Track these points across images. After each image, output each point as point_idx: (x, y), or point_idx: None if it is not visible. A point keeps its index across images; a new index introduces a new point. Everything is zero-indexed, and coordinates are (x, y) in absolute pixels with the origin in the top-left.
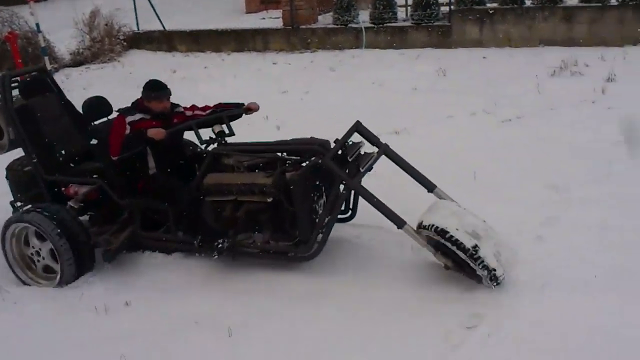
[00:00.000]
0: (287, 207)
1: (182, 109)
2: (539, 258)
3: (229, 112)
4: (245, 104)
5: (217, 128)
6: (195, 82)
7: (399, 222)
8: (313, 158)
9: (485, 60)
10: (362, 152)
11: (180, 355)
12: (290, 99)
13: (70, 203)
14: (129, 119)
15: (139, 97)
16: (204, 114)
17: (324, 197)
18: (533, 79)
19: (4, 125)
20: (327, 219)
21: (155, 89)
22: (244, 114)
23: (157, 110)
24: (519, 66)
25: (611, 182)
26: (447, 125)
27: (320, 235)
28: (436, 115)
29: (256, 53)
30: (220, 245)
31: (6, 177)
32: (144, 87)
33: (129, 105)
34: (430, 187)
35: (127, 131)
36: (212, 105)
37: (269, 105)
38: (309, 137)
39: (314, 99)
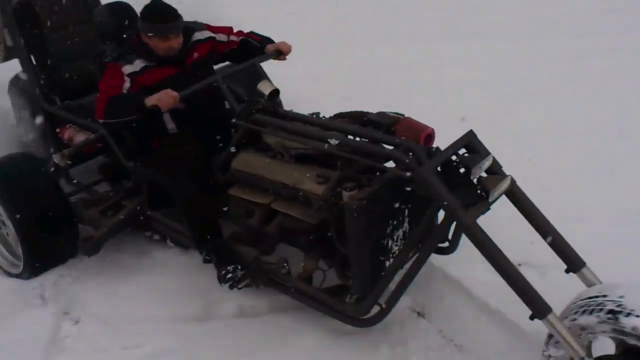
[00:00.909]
0: (337, 243)
1: (209, 33)
2: None
3: (263, 57)
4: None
5: (266, 86)
6: None
7: (540, 309)
8: (394, 167)
9: None
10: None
11: None
12: None
13: (55, 157)
14: (127, 69)
15: (134, 30)
16: (237, 40)
17: (406, 224)
18: None
19: None
20: (407, 265)
21: (155, 19)
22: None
23: (161, 52)
24: None
25: None
26: None
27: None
28: None
29: None
30: (230, 276)
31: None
32: (140, 15)
33: (121, 40)
34: (575, 264)
35: (127, 85)
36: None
37: None
38: (403, 116)
39: None
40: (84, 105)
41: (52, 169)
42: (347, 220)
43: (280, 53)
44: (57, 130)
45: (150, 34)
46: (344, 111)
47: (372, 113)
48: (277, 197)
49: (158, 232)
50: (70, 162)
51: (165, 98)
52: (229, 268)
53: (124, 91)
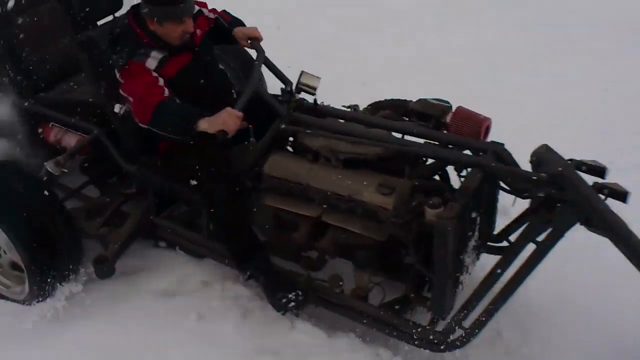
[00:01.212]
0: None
1: (197, 6)
2: None
3: (262, 54)
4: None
5: (312, 79)
6: None
7: None
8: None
9: None
10: None
11: None
12: None
13: (47, 165)
14: (150, 63)
15: (130, 17)
16: (213, 17)
17: (477, 232)
18: None
19: None
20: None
21: (166, 0)
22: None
23: (175, 40)
24: None
25: None
26: None
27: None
28: None
29: None
30: (292, 304)
31: None
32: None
33: (117, 35)
34: None
35: (161, 81)
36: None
37: None
38: (449, 103)
39: None
40: (67, 100)
41: (45, 179)
42: (436, 241)
43: (255, 38)
44: (40, 130)
45: (162, 19)
46: (379, 100)
47: (412, 102)
48: (327, 209)
49: (164, 239)
50: (66, 170)
51: (231, 120)
52: (290, 296)
53: (164, 89)
